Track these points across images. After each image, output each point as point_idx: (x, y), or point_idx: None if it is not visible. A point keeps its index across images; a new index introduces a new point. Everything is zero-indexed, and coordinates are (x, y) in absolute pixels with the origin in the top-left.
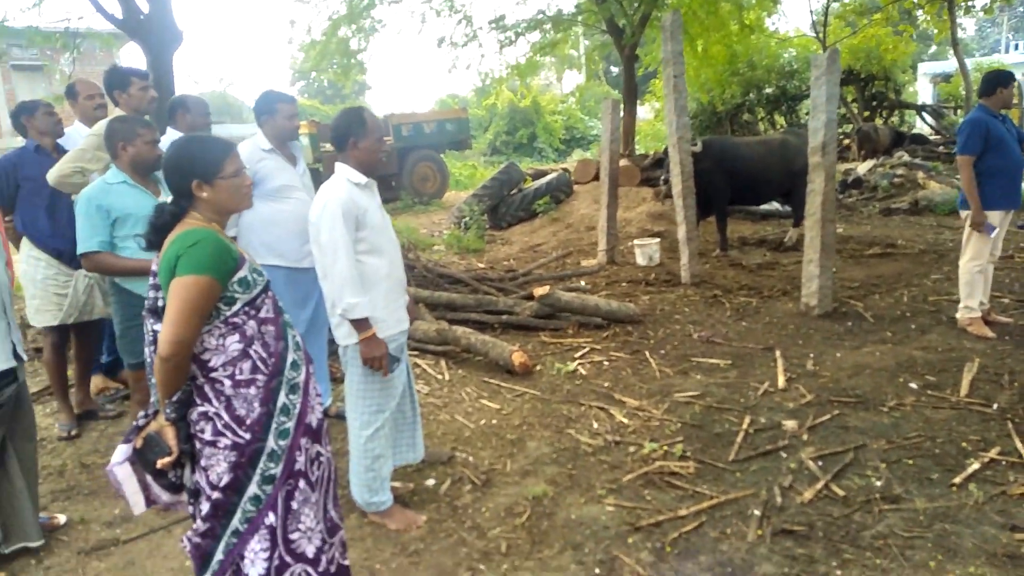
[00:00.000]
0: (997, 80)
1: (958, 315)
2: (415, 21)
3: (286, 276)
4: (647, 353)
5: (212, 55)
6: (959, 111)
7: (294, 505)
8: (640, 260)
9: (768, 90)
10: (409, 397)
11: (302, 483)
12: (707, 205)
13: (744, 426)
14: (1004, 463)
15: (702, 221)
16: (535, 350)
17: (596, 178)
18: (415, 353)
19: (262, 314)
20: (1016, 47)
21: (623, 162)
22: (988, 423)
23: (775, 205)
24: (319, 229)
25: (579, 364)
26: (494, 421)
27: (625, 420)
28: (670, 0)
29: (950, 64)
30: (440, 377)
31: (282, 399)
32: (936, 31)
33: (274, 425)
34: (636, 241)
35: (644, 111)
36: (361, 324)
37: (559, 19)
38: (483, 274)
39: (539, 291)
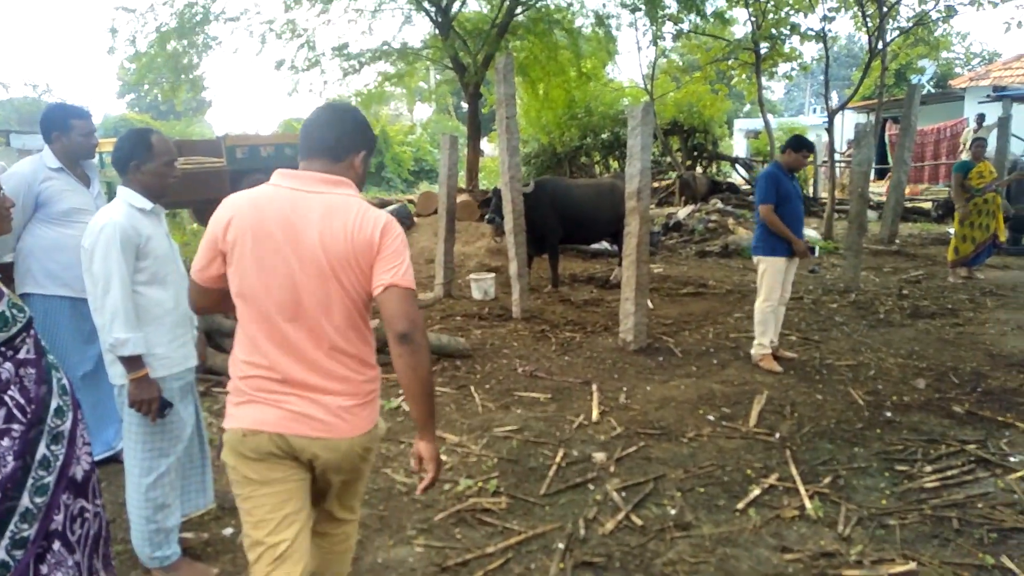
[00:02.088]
0: (795, 143)
1: (752, 351)
2: (254, 42)
3: (72, 308)
4: (472, 388)
5: (24, 58)
6: (765, 164)
7: (44, 569)
8: (476, 294)
9: (604, 135)
10: (198, 437)
11: (56, 544)
12: (541, 243)
13: (557, 459)
14: (780, 488)
15: (537, 258)
16: None
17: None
18: (217, 389)
19: (21, 355)
20: (815, 111)
21: (464, 197)
22: (770, 451)
23: (604, 244)
24: (92, 257)
25: (403, 401)
26: None
27: (444, 457)
28: (513, 43)
29: (760, 122)
30: None
31: (42, 451)
32: (746, 92)
33: (30, 481)
34: (472, 276)
35: (491, 148)
36: (132, 362)
37: (405, 52)
38: None
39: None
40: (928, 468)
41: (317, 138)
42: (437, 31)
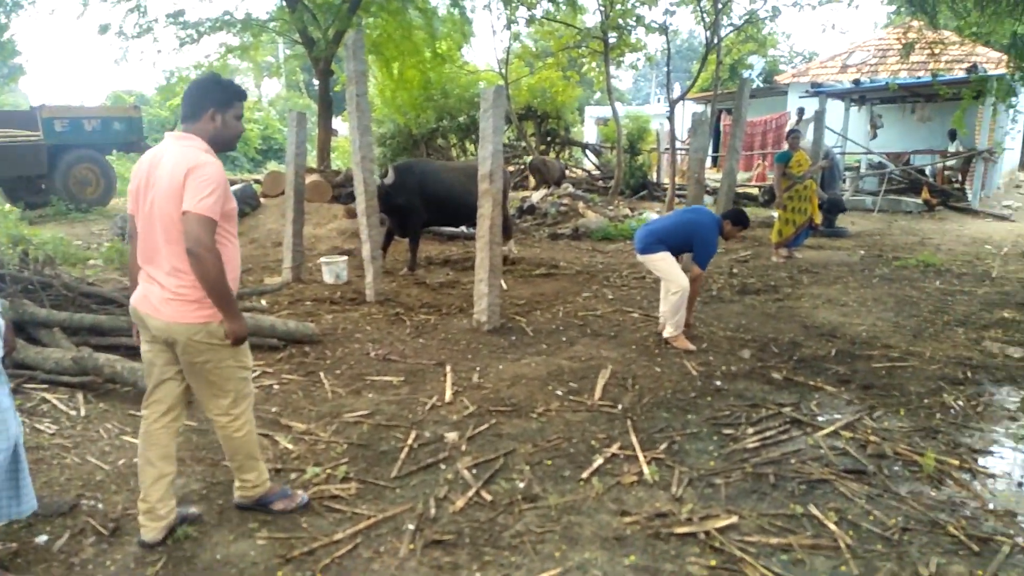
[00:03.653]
0: (736, 218)
1: (665, 332)
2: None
3: None
4: (321, 374)
5: None
6: (613, 150)
7: None
8: (327, 278)
9: (461, 118)
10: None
11: None
12: (404, 226)
13: (409, 441)
14: (622, 456)
15: (395, 240)
16: None
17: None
18: (43, 387)
19: None
20: (659, 100)
21: (314, 178)
22: (613, 422)
23: (462, 227)
24: None
25: None
26: (136, 460)
27: (290, 446)
28: (366, 20)
29: (610, 110)
30: (74, 413)
31: None
32: (596, 80)
33: None
34: (323, 259)
35: (345, 127)
36: None
37: (249, 23)
38: None
39: None
40: (750, 430)
41: (181, 107)
42: (284, 3)
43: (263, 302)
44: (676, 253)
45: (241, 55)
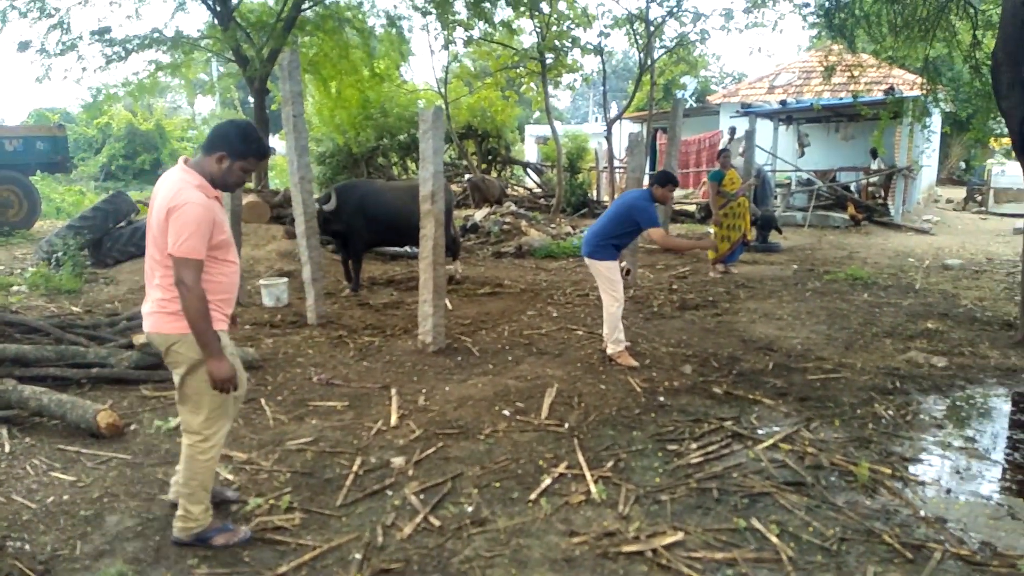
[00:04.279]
0: (663, 179)
1: (609, 350)
2: None
3: None
4: (263, 400)
5: None
6: (554, 168)
7: None
8: (267, 301)
9: (401, 137)
10: None
11: None
12: (347, 248)
13: (355, 468)
14: (569, 476)
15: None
16: (132, 407)
17: None
18: None
19: None
20: (596, 119)
21: (252, 198)
22: (560, 441)
23: (405, 247)
24: None
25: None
26: (66, 497)
27: (230, 476)
28: (302, 39)
29: (549, 128)
30: None
31: None
32: (534, 100)
33: None
34: (262, 281)
35: (283, 146)
36: None
37: (179, 40)
38: (73, 321)
39: (140, 338)
40: (694, 445)
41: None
42: (216, 21)
43: None
44: (627, 241)
45: (172, 72)
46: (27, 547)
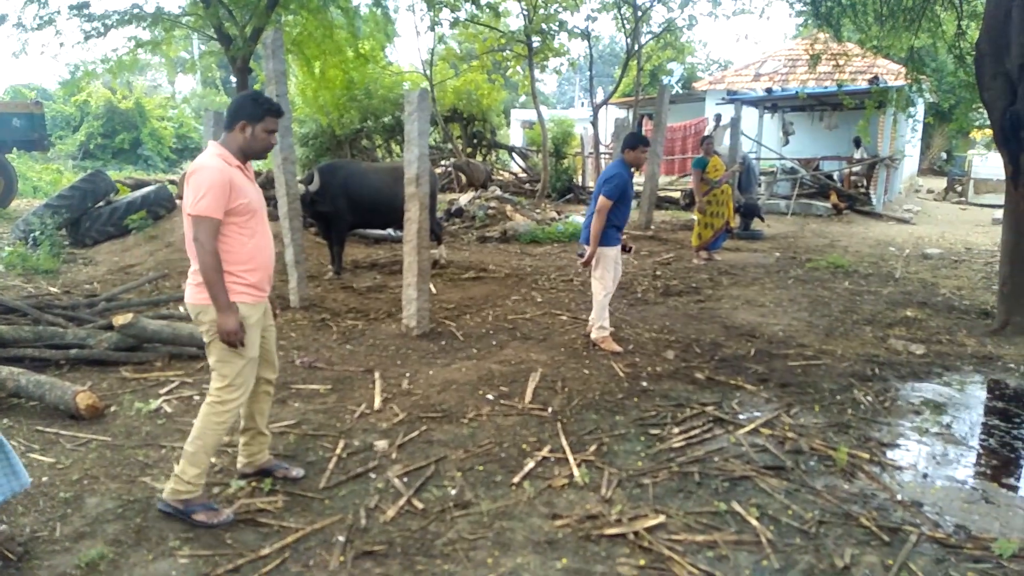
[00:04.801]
0: (633, 142)
1: (594, 334)
2: None
3: None
4: None
5: None
6: (539, 153)
7: None
8: None
9: (386, 119)
10: None
11: None
12: (329, 230)
13: (338, 451)
14: (552, 459)
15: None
16: (112, 388)
17: None
18: None
19: None
20: (583, 104)
21: None
22: (544, 425)
23: (389, 230)
24: None
25: (164, 401)
26: (44, 479)
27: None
28: (286, 18)
29: (534, 113)
30: None
31: None
32: (521, 84)
33: None
34: None
35: None
36: None
37: (160, 17)
38: (51, 301)
39: (119, 319)
40: (676, 430)
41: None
42: None
43: (182, 309)
44: (622, 218)
45: (152, 50)
46: (3, 527)
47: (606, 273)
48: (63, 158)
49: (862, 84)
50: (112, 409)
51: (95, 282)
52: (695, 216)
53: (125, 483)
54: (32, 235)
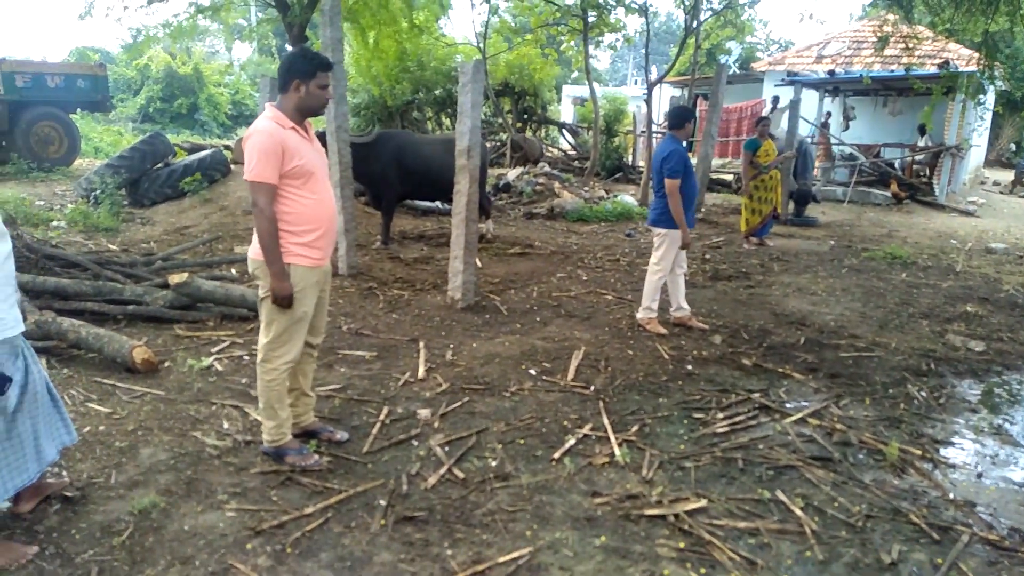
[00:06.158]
0: (679, 120)
1: (639, 315)
2: None
3: None
4: None
5: None
6: (590, 131)
7: None
8: None
9: (437, 91)
10: (30, 407)
11: None
12: (378, 198)
13: (382, 417)
14: (593, 437)
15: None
16: (166, 344)
17: None
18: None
19: None
20: (636, 82)
21: None
22: (586, 403)
23: (437, 203)
24: None
25: (216, 359)
26: (102, 427)
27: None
28: None
29: (587, 89)
30: None
31: None
32: (574, 59)
33: None
34: None
35: None
36: None
37: None
38: (110, 258)
39: (175, 278)
40: (720, 415)
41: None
42: None
43: (233, 271)
44: (689, 192)
45: (212, 16)
46: (64, 474)
47: (667, 254)
48: (123, 120)
49: (931, 69)
50: (166, 364)
51: (152, 241)
52: (742, 201)
53: (177, 436)
54: (94, 193)
